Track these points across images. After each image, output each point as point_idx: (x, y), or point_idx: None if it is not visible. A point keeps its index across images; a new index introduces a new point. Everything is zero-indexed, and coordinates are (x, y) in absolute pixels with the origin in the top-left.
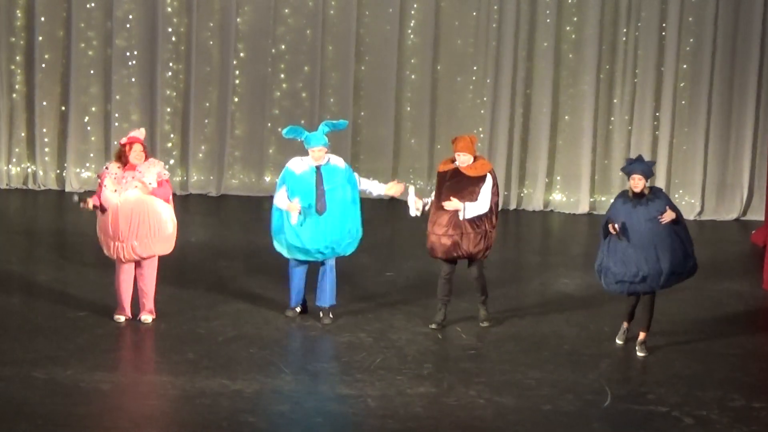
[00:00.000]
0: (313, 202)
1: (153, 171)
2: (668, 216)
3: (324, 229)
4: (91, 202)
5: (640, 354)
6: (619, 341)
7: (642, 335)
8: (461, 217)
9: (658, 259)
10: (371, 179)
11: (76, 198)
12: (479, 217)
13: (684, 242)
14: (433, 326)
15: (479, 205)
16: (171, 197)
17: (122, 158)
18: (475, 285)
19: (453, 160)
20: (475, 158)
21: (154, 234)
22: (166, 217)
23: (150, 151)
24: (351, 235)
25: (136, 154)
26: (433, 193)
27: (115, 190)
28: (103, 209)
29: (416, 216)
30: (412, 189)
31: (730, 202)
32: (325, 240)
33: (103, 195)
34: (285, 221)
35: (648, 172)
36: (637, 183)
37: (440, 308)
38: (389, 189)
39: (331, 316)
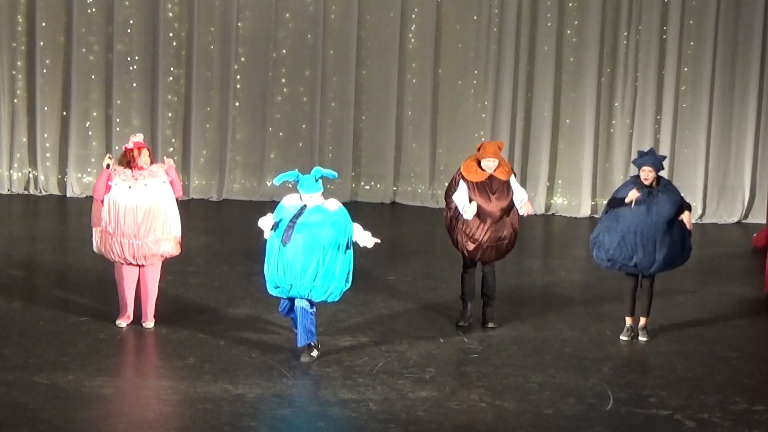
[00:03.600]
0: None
1: (161, 171)
2: (687, 219)
3: (284, 262)
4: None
5: (642, 339)
6: (623, 338)
7: (643, 320)
8: (526, 214)
9: (655, 251)
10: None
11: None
12: (517, 216)
13: (684, 235)
14: (462, 323)
15: (523, 193)
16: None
17: (130, 163)
18: (486, 285)
19: (478, 162)
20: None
21: (168, 233)
22: (176, 219)
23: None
24: (321, 281)
25: (144, 158)
26: (469, 200)
27: (130, 187)
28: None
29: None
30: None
31: (732, 204)
32: (285, 275)
33: (114, 192)
34: (268, 252)
35: (658, 165)
36: (648, 175)
37: (467, 305)
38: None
39: (313, 354)
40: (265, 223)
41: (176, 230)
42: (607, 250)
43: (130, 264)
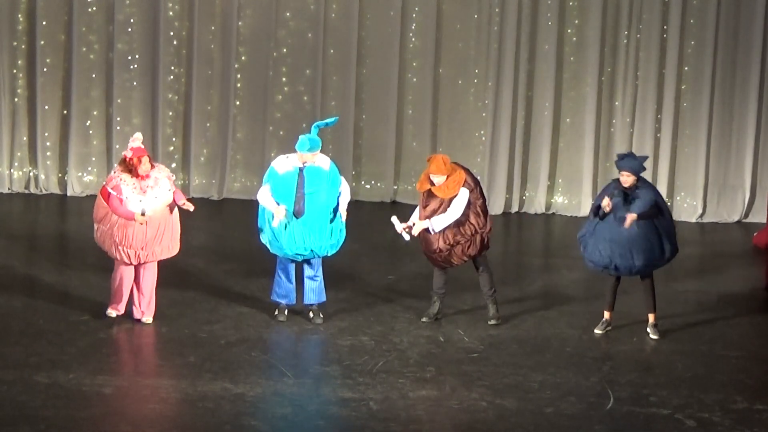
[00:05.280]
0: (292, 205)
1: (164, 175)
2: (629, 220)
3: (303, 233)
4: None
5: (653, 337)
6: (597, 331)
7: (651, 317)
8: (432, 233)
9: (632, 257)
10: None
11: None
12: (461, 226)
13: (662, 237)
14: (425, 319)
15: (446, 216)
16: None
17: (132, 171)
18: (482, 280)
19: (429, 175)
20: (449, 175)
21: (172, 237)
22: (176, 219)
23: (151, 155)
24: (334, 237)
25: (145, 166)
26: (417, 212)
27: (140, 200)
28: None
29: (408, 240)
30: (394, 219)
31: (732, 203)
32: (305, 243)
33: (126, 206)
34: (266, 220)
35: (637, 168)
36: (626, 179)
37: (435, 301)
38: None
39: (321, 315)
40: (268, 199)
41: (178, 230)
42: (589, 254)
43: (136, 264)
